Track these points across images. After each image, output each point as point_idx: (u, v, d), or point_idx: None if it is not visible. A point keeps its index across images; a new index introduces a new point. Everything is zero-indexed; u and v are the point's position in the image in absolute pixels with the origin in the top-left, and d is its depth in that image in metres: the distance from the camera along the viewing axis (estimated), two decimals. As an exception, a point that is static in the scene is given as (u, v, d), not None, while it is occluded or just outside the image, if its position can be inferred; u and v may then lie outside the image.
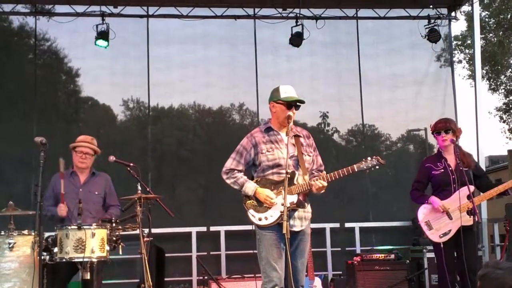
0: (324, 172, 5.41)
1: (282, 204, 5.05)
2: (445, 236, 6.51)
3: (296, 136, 5.47)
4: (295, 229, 5.25)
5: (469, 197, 6.35)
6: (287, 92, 5.47)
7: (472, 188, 6.45)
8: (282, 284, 5.22)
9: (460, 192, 6.46)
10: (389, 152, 12.27)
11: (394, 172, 11.68)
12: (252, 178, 5.52)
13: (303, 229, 5.39)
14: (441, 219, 6.55)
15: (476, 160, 7.77)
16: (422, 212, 6.71)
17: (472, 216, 6.33)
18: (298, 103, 5.45)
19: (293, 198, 5.23)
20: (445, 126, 6.67)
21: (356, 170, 5.33)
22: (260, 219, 5.35)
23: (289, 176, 5.18)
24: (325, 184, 5.26)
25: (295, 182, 5.30)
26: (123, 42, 10.39)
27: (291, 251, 5.07)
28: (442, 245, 6.49)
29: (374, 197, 11.17)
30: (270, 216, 5.30)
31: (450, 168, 6.59)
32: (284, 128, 5.49)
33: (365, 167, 5.35)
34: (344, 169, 5.29)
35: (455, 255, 6.54)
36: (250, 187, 5.39)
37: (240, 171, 5.50)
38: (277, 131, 5.51)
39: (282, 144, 5.41)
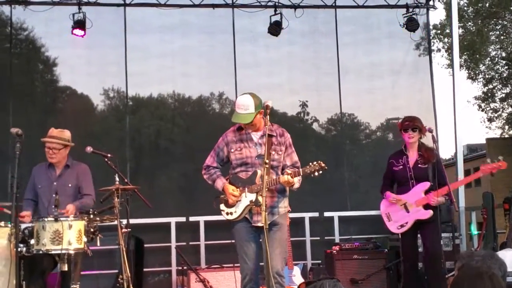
0: (296, 169, 5.62)
1: (251, 201, 5.49)
2: (402, 228, 7.08)
3: (269, 136, 5.56)
4: (259, 224, 5.51)
5: (426, 192, 6.90)
6: (236, 109, 5.62)
7: (428, 184, 6.92)
8: (253, 274, 5.58)
9: (417, 188, 6.99)
10: (368, 141, 12.34)
11: (373, 160, 11.68)
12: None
13: (271, 222, 5.59)
14: (399, 212, 7.10)
15: (454, 148, 8.47)
16: (384, 205, 7.35)
17: (429, 209, 6.89)
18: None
19: (252, 197, 5.51)
20: (413, 125, 7.08)
21: (301, 174, 5.51)
22: (227, 214, 5.73)
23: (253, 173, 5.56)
24: (291, 179, 5.42)
25: (256, 181, 5.54)
26: (100, 31, 10.21)
27: (262, 241, 5.48)
28: (400, 236, 7.12)
29: (353, 186, 11.22)
30: (234, 212, 5.67)
31: (408, 166, 7.07)
32: (256, 127, 5.69)
33: (308, 172, 5.48)
34: (296, 170, 5.52)
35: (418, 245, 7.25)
36: (219, 183, 5.77)
37: (215, 167, 5.84)
38: (247, 130, 5.71)
39: (252, 143, 5.69)
